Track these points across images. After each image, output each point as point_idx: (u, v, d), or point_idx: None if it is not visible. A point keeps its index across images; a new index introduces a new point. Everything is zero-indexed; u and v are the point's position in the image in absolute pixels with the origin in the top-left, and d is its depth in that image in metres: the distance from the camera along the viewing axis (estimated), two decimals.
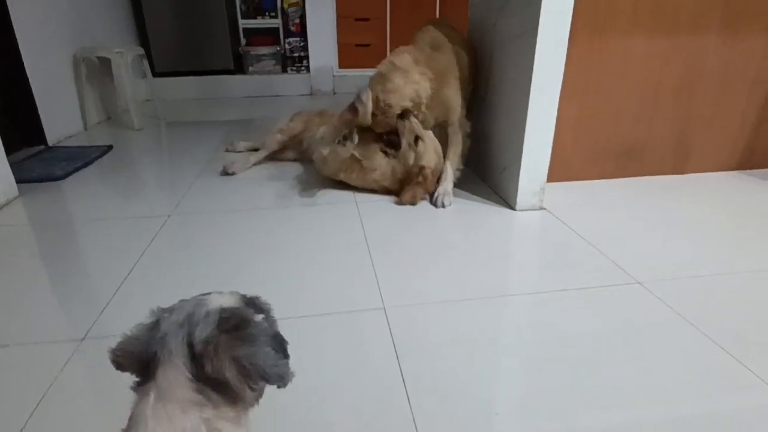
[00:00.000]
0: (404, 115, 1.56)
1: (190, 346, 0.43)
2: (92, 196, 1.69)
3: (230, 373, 0.43)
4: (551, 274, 1.19)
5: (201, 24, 3.37)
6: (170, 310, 0.47)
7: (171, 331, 0.44)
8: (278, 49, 3.61)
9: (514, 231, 1.44)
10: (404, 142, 1.58)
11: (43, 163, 1.98)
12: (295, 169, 1.96)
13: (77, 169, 1.92)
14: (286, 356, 0.47)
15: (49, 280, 1.19)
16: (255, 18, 3.61)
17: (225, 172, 1.88)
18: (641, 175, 1.81)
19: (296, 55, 3.62)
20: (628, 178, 1.80)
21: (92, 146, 2.24)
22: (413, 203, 1.58)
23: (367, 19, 3.50)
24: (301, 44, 3.59)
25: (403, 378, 0.84)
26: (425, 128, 1.60)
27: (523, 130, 1.46)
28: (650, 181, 1.78)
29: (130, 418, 0.43)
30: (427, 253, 1.30)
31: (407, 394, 0.81)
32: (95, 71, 2.66)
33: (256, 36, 3.64)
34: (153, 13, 3.29)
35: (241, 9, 3.58)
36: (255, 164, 1.98)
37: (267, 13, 3.60)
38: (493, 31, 1.64)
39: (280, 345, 0.47)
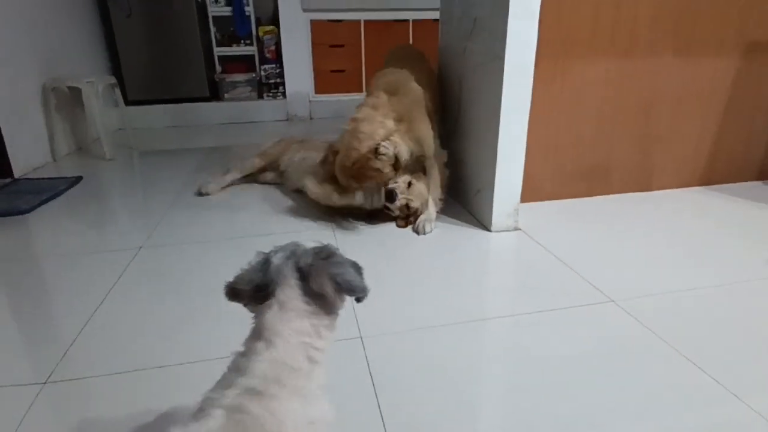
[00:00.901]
0: (390, 197, 1.56)
1: (299, 270, 0.58)
2: (59, 230, 1.64)
3: (328, 288, 0.58)
4: (528, 296, 1.19)
5: (175, 52, 3.37)
6: (275, 250, 0.62)
7: (282, 262, 0.59)
8: (254, 75, 3.63)
9: (491, 253, 1.46)
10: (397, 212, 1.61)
11: (9, 197, 1.92)
12: (273, 193, 1.95)
13: (44, 202, 1.87)
14: (362, 276, 0.61)
15: (10, 320, 1.14)
16: (230, 46, 3.63)
17: (199, 193, 1.92)
18: (609, 194, 1.86)
19: (272, 81, 3.64)
20: (597, 197, 1.84)
21: (61, 178, 2.18)
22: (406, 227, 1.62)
23: (341, 46, 3.56)
24: (277, 71, 3.61)
25: (380, 410, 0.83)
26: (406, 161, 1.59)
27: (495, 153, 1.49)
28: (618, 199, 1.83)
29: (258, 325, 0.58)
30: (405, 279, 1.30)
31: (384, 428, 0.79)
32: (65, 101, 2.62)
33: (232, 63, 3.66)
34: (125, 41, 3.28)
35: (216, 37, 3.60)
36: (230, 185, 2.02)
37: (242, 41, 3.63)
38: (462, 56, 1.69)
39: (358, 269, 0.61)
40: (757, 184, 1.97)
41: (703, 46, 1.75)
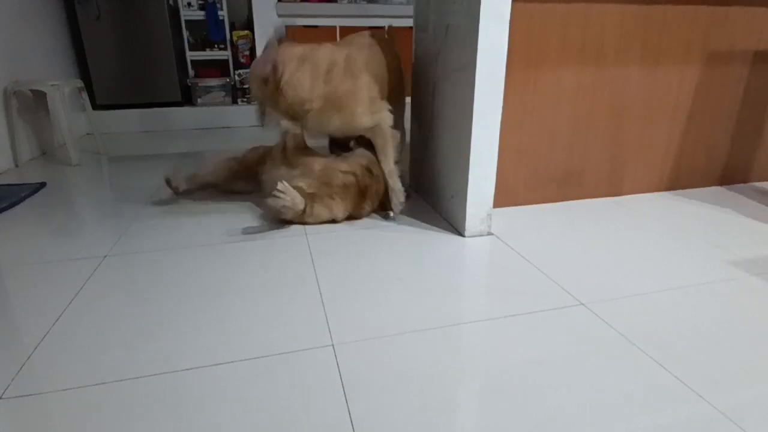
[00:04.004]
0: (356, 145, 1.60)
1: None
2: (19, 238, 1.57)
3: None
4: (500, 300, 1.20)
5: (146, 56, 3.30)
6: None
7: None
8: (228, 80, 3.58)
9: (464, 258, 1.46)
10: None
11: None
12: (244, 199, 1.92)
13: (3, 210, 1.79)
14: None
15: None
16: (203, 50, 3.58)
17: (168, 186, 1.87)
18: (581, 199, 1.90)
19: (246, 86, 3.60)
20: (569, 202, 1.88)
21: (22, 184, 2.10)
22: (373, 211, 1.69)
23: None
24: None
25: (351, 421, 0.81)
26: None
27: (468, 159, 1.50)
28: (589, 203, 1.87)
29: None
30: (378, 283, 1.29)
31: None
32: (28, 105, 2.53)
33: (205, 68, 3.60)
34: (94, 44, 3.20)
35: (188, 41, 3.55)
36: (202, 184, 1.93)
37: (216, 46, 3.59)
38: (436, 63, 1.70)
39: None
40: (719, 189, 2.05)
41: (669, 57, 1.81)
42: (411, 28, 1.99)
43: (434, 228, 1.65)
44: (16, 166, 2.42)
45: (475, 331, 1.08)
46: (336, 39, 3.54)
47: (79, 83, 2.68)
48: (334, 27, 3.51)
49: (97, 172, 2.41)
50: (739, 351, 1.01)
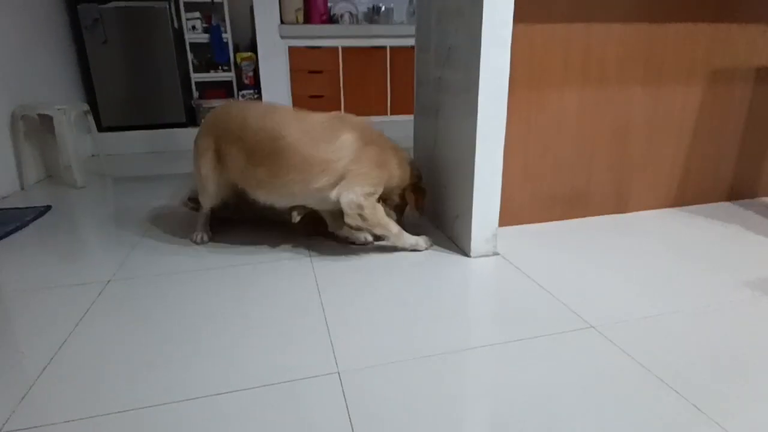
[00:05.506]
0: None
1: None
2: (24, 263, 1.57)
3: None
4: (508, 323, 1.18)
5: (151, 78, 3.35)
6: None
7: None
8: (232, 101, 3.62)
9: (470, 279, 1.45)
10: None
11: None
12: (247, 223, 1.91)
13: (9, 233, 1.79)
14: None
15: None
16: (207, 71, 3.63)
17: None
18: (587, 217, 1.89)
19: None
20: (575, 220, 1.87)
21: (28, 207, 2.11)
22: None
23: (320, 72, 3.59)
24: (255, 96, 3.62)
25: None
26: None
27: (472, 179, 1.49)
28: (596, 221, 1.86)
29: None
30: (385, 308, 1.27)
31: None
32: (35, 128, 2.55)
33: (210, 89, 3.65)
34: (100, 67, 3.25)
35: (193, 63, 3.60)
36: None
37: (220, 67, 3.63)
38: (438, 84, 1.71)
39: None
40: (726, 205, 2.03)
41: (672, 75, 1.81)
42: (413, 48, 2.01)
43: (439, 249, 1.63)
44: (23, 188, 2.43)
45: (483, 356, 1.06)
46: (338, 59, 3.57)
47: (85, 107, 2.71)
48: (336, 48, 3.55)
49: (102, 194, 2.42)
50: (753, 374, 0.98)
